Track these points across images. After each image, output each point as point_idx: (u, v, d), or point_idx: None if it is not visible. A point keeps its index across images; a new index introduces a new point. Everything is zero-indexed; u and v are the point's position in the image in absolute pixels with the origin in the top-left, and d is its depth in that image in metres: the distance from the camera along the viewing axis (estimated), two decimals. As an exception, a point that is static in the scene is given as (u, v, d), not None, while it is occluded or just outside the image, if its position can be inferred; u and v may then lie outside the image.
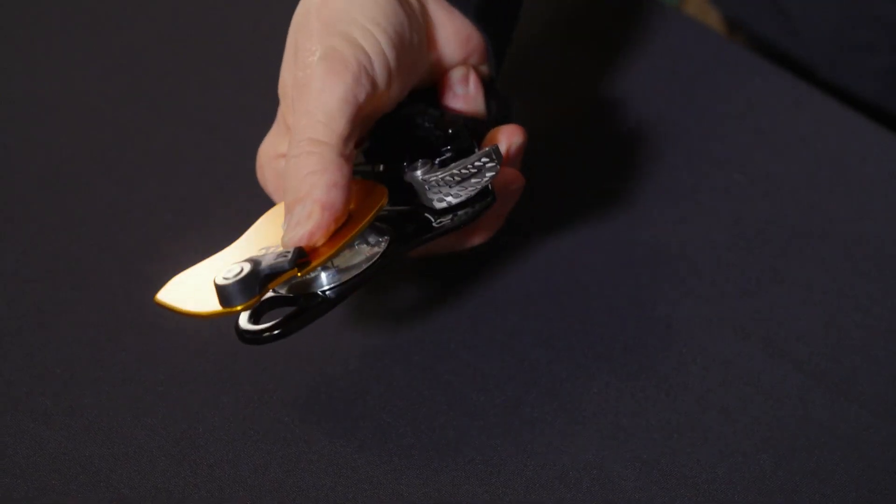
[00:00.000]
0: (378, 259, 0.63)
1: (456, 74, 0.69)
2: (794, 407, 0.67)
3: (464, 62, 0.70)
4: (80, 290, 0.72)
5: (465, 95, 0.69)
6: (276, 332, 0.61)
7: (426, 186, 0.64)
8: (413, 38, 0.66)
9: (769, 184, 0.76)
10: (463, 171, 0.63)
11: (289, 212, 0.61)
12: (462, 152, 0.65)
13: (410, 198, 0.65)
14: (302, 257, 0.60)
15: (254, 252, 0.61)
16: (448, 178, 0.63)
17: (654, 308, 0.71)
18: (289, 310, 0.62)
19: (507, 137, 0.68)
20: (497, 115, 0.71)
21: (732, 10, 0.96)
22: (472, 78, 0.69)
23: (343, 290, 0.62)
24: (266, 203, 0.70)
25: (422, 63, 0.68)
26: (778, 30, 0.91)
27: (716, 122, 0.80)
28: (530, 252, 0.73)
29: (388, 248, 0.63)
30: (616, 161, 0.78)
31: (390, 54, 0.64)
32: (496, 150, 0.64)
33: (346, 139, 0.62)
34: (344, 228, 0.62)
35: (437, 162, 0.64)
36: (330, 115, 0.62)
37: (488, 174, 0.63)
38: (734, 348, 0.69)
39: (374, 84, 0.63)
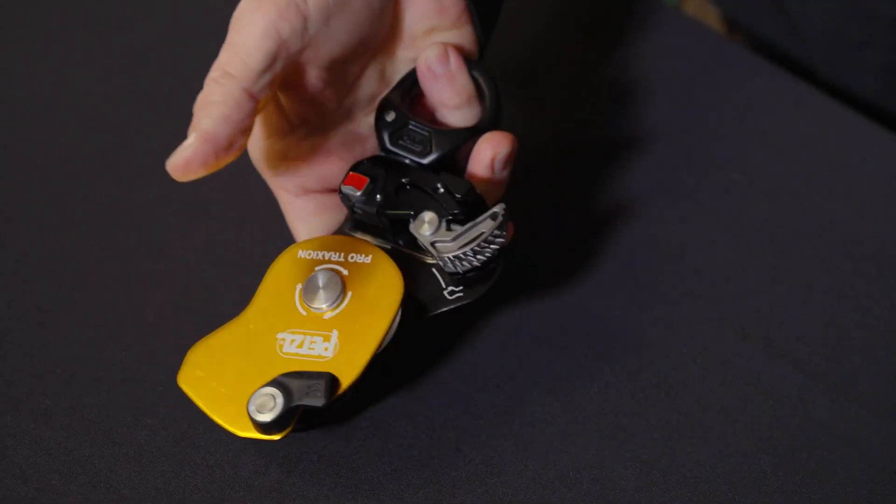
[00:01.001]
0: (391, 341, 0.63)
1: (431, 53, 0.68)
2: (793, 407, 0.67)
3: (449, 26, 0.68)
4: (81, 290, 0.72)
5: (446, 75, 0.67)
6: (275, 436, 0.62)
7: (435, 252, 0.63)
8: None
9: (769, 184, 0.76)
10: (474, 247, 0.63)
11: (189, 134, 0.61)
12: (472, 212, 0.64)
13: (415, 240, 0.65)
14: (335, 389, 0.61)
15: (271, 328, 0.63)
16: (461, 255, 0.63)
17: (654, 308, 0.71)
18: None
19: (493, 147, 0.66)
20: (491, 99, 0.69)
21: (732, 9, 0.96)
22: (452, 55, 0.68)
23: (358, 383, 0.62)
24: (267, 205, 0.70)
25: (376, 17, 0.66)
26: (777, 29, 0.91)
27: (716, 122, 0.80)
28: (530, 252, 0.73)
29: (402, 327, 0.64)
30: (616, 161, 0.78)
31: None
32: (504, 214, 0.63)
33: (260, 74, 0.61)
34: (366, 335, 0.62)
35: (443, 221, 0.64)
36: (247, 48, 0.61)
37: (497, 243, 0.63)
38: (734, 348, 0.69)
39: (304, 20, 0.62)
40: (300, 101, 0.66)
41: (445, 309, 0.64)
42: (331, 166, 0.67)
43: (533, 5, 0.88)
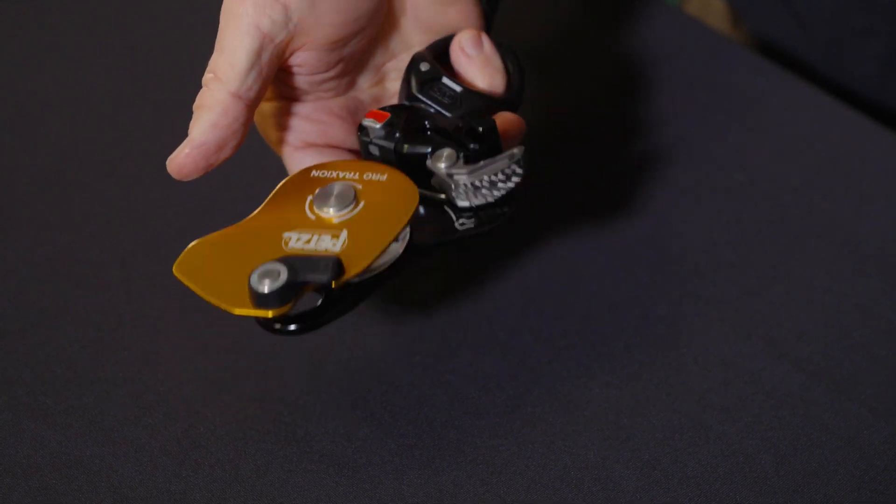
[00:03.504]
0: (398, 260, 0.62)
1: (465, 37, 0.68)
2: (794, 406, 0.67)
3: (443, 7, 0.68)
4: (81, 290, 0.72)
5: (479, 58, 0.68)
6: (292, 327, 0.60)
7: (451, 183, 0.63)
8: None
9: (769, 183, 0.77)
10: (492, 177, 0.62)
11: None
12: (489, 152, 0.64)
13: (429, 179, 0.64)
14: (339, 272, 0.59)
15: (278, 227, 0.61)
16: (476, 182, 0.63)
17: (654, 307, 0.71)
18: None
19: (503, 126, 0.66)
20: (517, 78, 0.69)
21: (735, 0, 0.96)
22: (485, 39, 0.68)
23: (364, 290, 0.62)
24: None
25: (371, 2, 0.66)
26: (779, 17, 0.91)
27: (716, 122, 0.80)
28: (531, 251, 0.73)
29: (409, 247, 0.63)
30: (616, 161, 0.78)
31: None
32: (523, 155, 0.63)
33: (245, 73, 0.62)
34: (376, 235, 0.61)
35: (461, 156, 0.63)
36: (231, 48, 0.62)
37: (514, 180, 0.63)
38: (735, 348, 0.69)
39: (285, 9, 0.62)
40: (300, 77, 0.66)
41: (455, 237, 0.63)
42: (334, 126, 0.67)
43: (532, 5, 0.88)
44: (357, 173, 0.64)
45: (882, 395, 0.67)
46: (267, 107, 0.67)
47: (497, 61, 0.68)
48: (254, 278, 0.58)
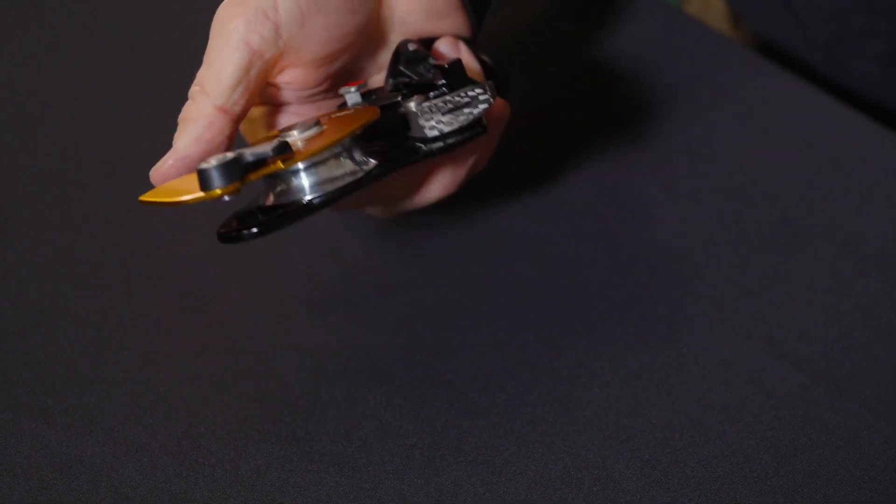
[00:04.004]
0: (363, 176, 0.62)
1: (442, 45, 0.68)
2: (794, 406, 0.67)
3: (441, 13, 0.68)
4: (81, 290, 0.72)
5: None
6: (254, 229, 0.61)
7: (419, 114, 0.63)
8: None
9: (770, 183, 0.77)
10: (456, 98, 0.63)
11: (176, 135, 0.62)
12: (457, 86, 0.64)
13: (404, 131, 0.64)
14: (286, 151, 0.59)
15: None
16: (440, 104, 0.63)
17: (654, 307, 0.71)
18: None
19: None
20: (501, 68, 0.70)
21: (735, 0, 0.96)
22: (462, 47, 0.68)
23: (324, 200, 0.62)
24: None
25: (357, 9, 0.66)
26: (779, 17, 0.91)
27: (717, 122, 0.80)
28: (532, 251, 0.73)
29: (374, 167, 0.63)
30: (616, 160, 0.78)
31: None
32: (491, 85, 0.64)
33: (233, 88, 0.62)
34: (333, 130, 0.61)
35: (431, 95, 0.64)
36: (220, 62, 0.62)
37: (481, 105, 0.63)
38: (735, 348, 0.69)
39: (275, 27, 0.62)
40: (288, 92, 0.66)
41: (421, 156, 0.64)
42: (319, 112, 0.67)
43: (532, 4, 0.88)
44: (326, 117, 0.64)
45: (882, 395, 0.67)
46: (255, 112, 0.67)
47: (474, 64, 0.68)
48: (201, 164, 0.58)
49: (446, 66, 0.64)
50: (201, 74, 0.62)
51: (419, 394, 0.67)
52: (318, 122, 0.62)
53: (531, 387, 0.67)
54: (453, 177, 0.68)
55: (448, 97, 0.64)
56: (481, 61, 0.69)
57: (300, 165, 0.61)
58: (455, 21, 0.69)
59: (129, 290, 0.72)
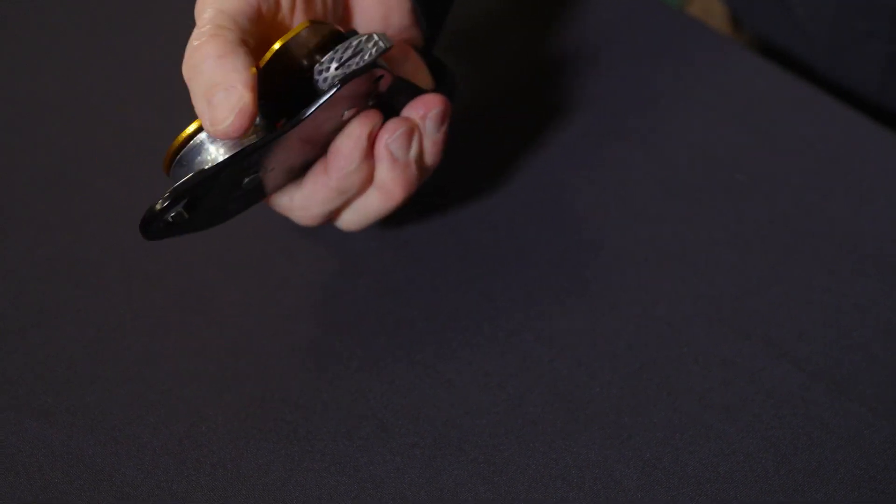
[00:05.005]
0: (269, 135, 0.62)
1: (434, 114, 0.68)
2: (794, 406, 0.67)
3: (396, 30, 0.69)
4: (82, 289, 0.72)
5: (437, 136, 0.69)
6: (167, 199, 0.62)
7: (315, 76, 0.63)
8: None
9: (770, 184, 0.77)
10: (346, 48, 0.63)
11: (207, 101, 0.60)
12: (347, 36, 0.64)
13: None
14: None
15: None
16: (331, 55, 0.63)
17: (655, 307, 0.71)
18: None
19: (425, 105, 0.67)
20: (448, 82, 0.71)
21: (734, 2, 0.96)
22: (446, 121, 0.69)
23: (230, 162, 0.62)
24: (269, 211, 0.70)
25: (334, 11, 0.67)
26: (780, 21, 0.91)
27: (717, 122, 0.80)
28: (532, 251, 0.73)
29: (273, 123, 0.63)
30: (617, 160, 0.78)
31: None
32: (383, 35, 0.64)
33: (248, 34, 0.62)
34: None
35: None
36: (231, 9, 0.61)
37: (372, 49, 0.63)
38: (735, 348, 0.69)
39: (278, 4, 0.63)
40: None
41: (320, 96, 0.64)
42: None
43: (532, 4, 0.88)
44: None
45: (882, 395, 0.67)
46: None
47: (445, 140, 0.69)
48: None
49: (342, 32, 0.64)
50: (212, 17, 0.61)
51: (420, 393, 0.67)
52: None
53: (532, 386, 0.68)
54: (382, 166, 0.68)
55: (339, 47, 0.63)
56: (434, 59, 0.70)
57: (204, 136, 0.62)
58: (409, 36, 0.70)
59: (130, 290, 0.72)
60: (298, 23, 0.65)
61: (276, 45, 0.62)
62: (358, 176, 0.67)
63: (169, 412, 0.66)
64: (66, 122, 0.81)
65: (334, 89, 0.63)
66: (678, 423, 0.66)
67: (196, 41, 0.61)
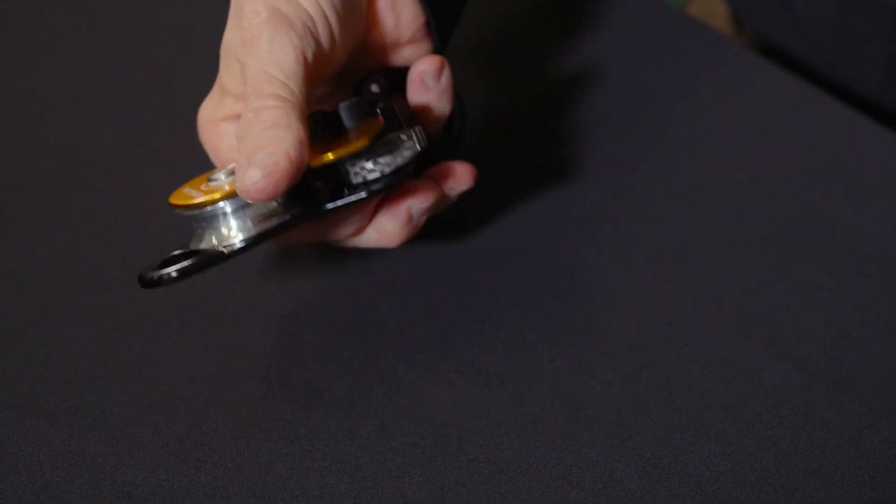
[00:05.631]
0: (287, 219, 0.63)
1: (428, 67, 0.68)
2: (795, 406, 0.67)
3: (407, 41, 0.69)
4: (83, 289, 0.72)
5: (436, 91, 0.68)
6: (173, 274, 0.62)
7: (347, 164, 0.63)
8: (355, 4, 0.66)
9: (770, 183, 0.77)
10: (382, 145, 0.63)
11: (247, 158, 0.60)
12: (387, 131, 0.64)
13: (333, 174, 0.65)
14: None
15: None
16: (367, 154, 0.63)
17: (655, 307, 0.71)
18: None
19: (455, 179, 0.68)
20: (458, 116, 0.71)
21: (735, 2, 0.96)
22: (446, 72, 0.68)
23: (246, 245, 0.63)
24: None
25: (360, 32, 0.67)
26: (781, 21, 0.91)
27: (718, 122, 0.80)
28: (533, 251, 0.74)
29: (299, 211, 0.63)
30: (617, 160, 0.78)
31: (332, 18, 0.64)
32: (420, 131, 0.64)
33: (303, 97, 0.62)
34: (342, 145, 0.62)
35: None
36: (288, 72, 0.62)
37: (406, 153, 0.63)
38: (735, 347, 0.69)
39: (318, 44, 0.63)
40: None
41: (349, 196, 0.64)
42: None
43: (533, 4, 0.88)
44: None
45: (882, 395, 0.67)
46: (228, 126, 0.67)
47: (446, 100, 0.69)
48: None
49: (378, 110, 0.64)
50: (268, 85, 0.61)
51: (420, 392, 0.67)
52: None
53: (532, 386, 0.68)
54: (394, 221, 0.68)
55: (375, 145, 0.63)
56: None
57: (228, 208, 0.62)
58: (419, 48, 0.70)
59: (130, 289, 0.72)
60: (338, 51, 0.65)
61: (331, 157, 0.62)
62: (358, 224, 0.68)
63: (170, 412, 0.66)
64: (66, 122, 0.82)
65: (362, 195, 0.63)
66: (678, 423, 0.66)
67: (254, 110, 0.61)
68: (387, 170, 0.63)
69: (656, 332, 0.70)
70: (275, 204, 0.63)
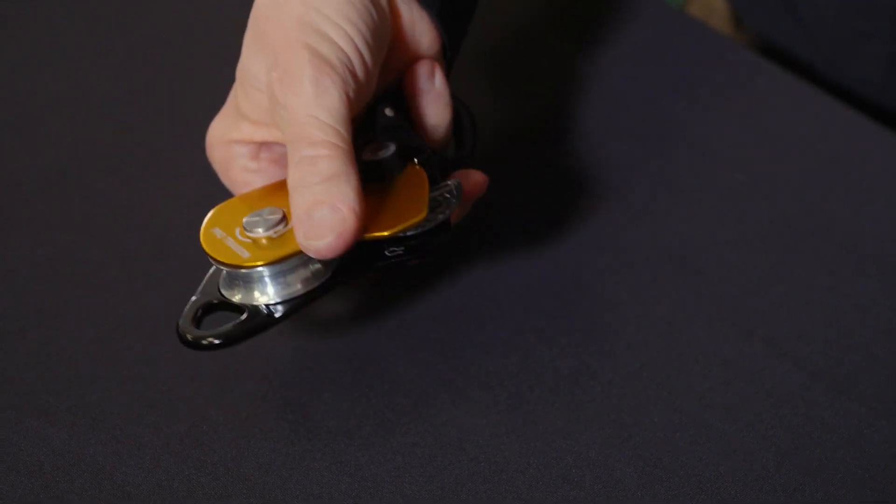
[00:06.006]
0: (328, 280, 0.62)
1: (422, 71, 0.68)
2: (795, 405, 0.67)
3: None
4: (83, 289, 0.72)
5: (433, 92, 0.68)
6: (216, 341, 0.61)
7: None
8: (384, 36, 0.65)
9: (770, 183, 0.77)
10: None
11: (307, 214, 0.59)
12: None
13: None
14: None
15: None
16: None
17: (655, 307, 0.71)
18: (232, 316, 0.62)
19: (470, 188, 0.68)
20: (470, 138, 0.71)
21: (735, 1, 0.96)
22: (438, 73, 0.68)
23: (289, 309, 0.62)
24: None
25: (389, 61, 0.67)
26: (781, 20, 0.91)
27: (718, 122, 0.80)
28: (533, 251, 0.74)
29: (337, 269, 0.63)
30: (618, 160, 0.78)
31: (366, 53, 0.63)
32: (458, 185, 0.64)
33: (351, 141, 0.61)
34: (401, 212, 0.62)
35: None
36: (336, 116, 0.61)
37: (446, 210, 0.63)
38: (735, 347, 0.69)
39: (357, 82, 0.62)
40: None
41: (384, 264, 0.63)
42: None
43: (533, 4, 0.88)
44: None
45: (882, 395, 0.67)
46: (242, 149, 0.67)
47: (445, 100, 0.68)
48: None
49: (416, 160, 0.64)
50: (319, 131, 0.60)
51: (421, 392, 0.67)
52: (284, 217, 0.62)
53: (532, 385, 0.68)
54: None
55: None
56: (456, 99, 0.70)
57: (266, 271, 0.61)
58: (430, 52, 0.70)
59: (130, 289, 0.72)
60: (371, 85, 0.65)
61: (386, 234, 0.61)
62: None
63: (170, 411, 0.66)
64: (66, 122, 0.82)
65: (404, 255, 0.63)
66: (678, 423, 0.66)
67: (310, 153, 0.60)
68: (428, 226, 0.63)
69: (656, 332, 0.70)
70: (319, 265, 0.63)
